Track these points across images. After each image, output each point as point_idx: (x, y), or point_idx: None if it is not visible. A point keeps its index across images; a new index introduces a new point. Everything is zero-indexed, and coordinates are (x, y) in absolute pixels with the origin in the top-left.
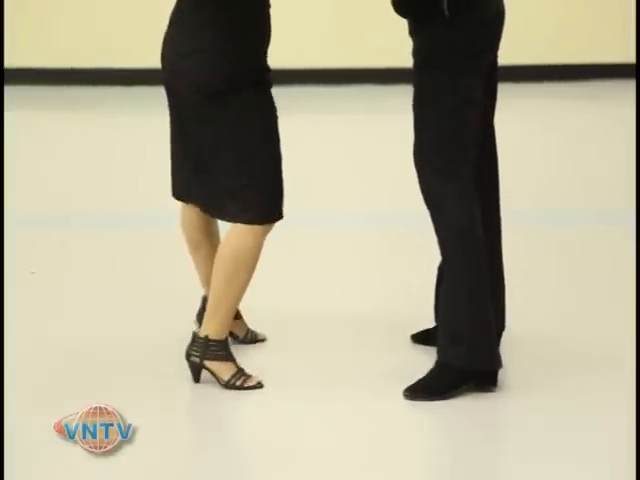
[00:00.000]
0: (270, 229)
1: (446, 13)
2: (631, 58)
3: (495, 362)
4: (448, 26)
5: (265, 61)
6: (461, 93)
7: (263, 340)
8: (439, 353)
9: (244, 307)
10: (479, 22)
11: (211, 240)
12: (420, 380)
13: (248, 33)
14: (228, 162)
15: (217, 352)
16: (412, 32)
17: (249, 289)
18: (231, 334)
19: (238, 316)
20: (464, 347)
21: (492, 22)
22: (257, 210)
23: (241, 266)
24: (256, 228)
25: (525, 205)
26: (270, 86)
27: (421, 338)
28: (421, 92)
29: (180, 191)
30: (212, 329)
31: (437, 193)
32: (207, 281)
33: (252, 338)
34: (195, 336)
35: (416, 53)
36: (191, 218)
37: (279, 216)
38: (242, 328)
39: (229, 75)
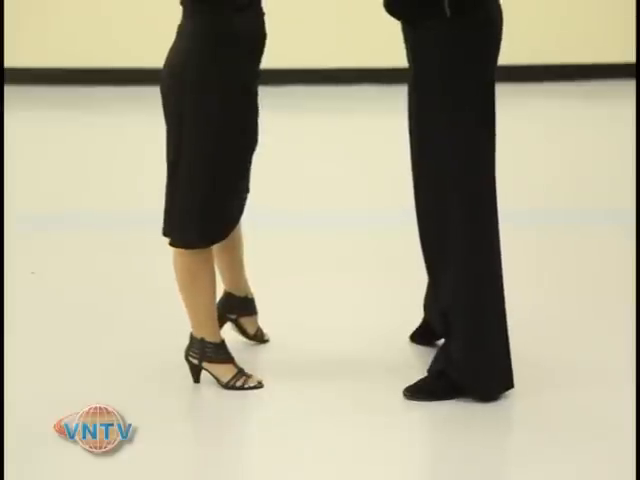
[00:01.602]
0: (201, 255)
1: (447, 11)
2: (631, 58)
3: (488, 392)
4: (449, 27)
5: (256, 68)
6: (472, 111)
7: (267, 341)
8: (433, 363)
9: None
10: (484, 21)
11: (233, 243)
12: (420, 380)
13: (238, 46)
14: (169, 164)
15: (215, 354)
16: (406, 37)
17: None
18: (243, 332)
19: (254, 312)
20: (455, 372)
21: (498, 22)
22: (173, 230)
23: (179, 281)
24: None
25: (524, 205)
26: (254, 97)
27: (414, 338)
28: (421, 112)
29: None
30: (204, 331)
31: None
32: (228, 281)
33: (260, 337)
34: (192, 337)
35: (411, 63)
36: None
37: (193, 244)
38: (254, 325)
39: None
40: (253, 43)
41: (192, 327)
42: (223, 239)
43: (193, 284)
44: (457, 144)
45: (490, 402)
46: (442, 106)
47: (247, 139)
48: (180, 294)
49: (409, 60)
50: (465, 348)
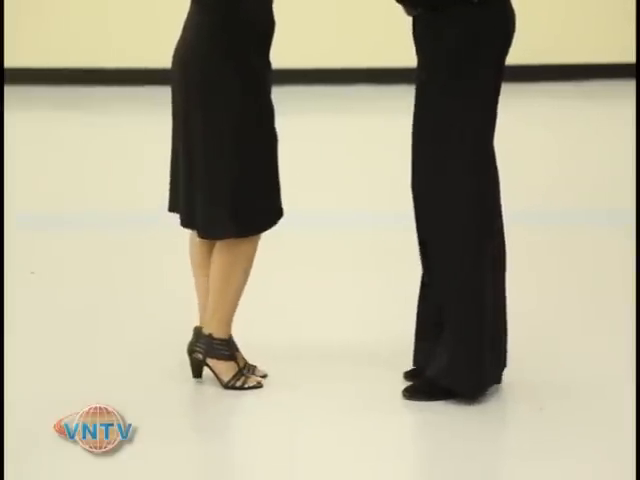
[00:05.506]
0: (253, 240)
1: None
2: (631, 58)
3: (474, 393)
4: (477, 10)
5: (267, 57)
6: (485, 99)
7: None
8: (428, 368)
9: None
10: (505, 7)
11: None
12: (419, 381)
13: (247, 31)
14: (205, 162)
15: (221, 351)
16: (423, 24)
17: (249, 290)
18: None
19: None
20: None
21: (513, 11)
22: (224, 223)
23: (229, 277)
24: (230, 242)
25: (524, 205)
26: (268, 88)
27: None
28: (430, 98)
29: (173, 205)
30: (215, 327)
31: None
32: (203, 309)
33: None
34: (199, 333)
35: (428, 49)
36: (196, 242)
37: (252, 231)
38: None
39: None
40: (262, 29)
41: (203, 323)
42: (255, 232)
43: (226, 283)
44: (464, 127)
45: (482, 402)
46: (456, 91)
47: (265, 126)
48: (218, 284)
49: (422, 46)
50: (454, 342)
